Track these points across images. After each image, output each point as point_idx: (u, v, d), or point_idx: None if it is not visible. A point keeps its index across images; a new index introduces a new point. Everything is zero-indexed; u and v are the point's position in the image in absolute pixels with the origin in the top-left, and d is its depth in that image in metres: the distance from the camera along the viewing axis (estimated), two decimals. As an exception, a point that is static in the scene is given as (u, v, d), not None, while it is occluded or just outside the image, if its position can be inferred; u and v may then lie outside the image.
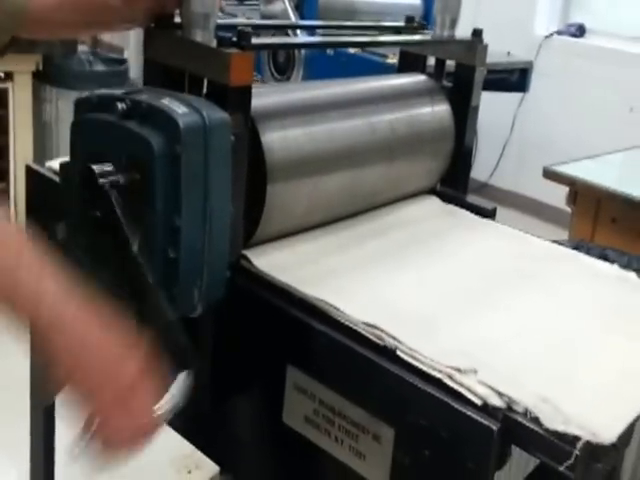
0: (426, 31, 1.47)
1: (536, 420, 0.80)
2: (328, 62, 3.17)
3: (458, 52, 1.39)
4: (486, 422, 0.81)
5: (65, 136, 0.95)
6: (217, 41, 1.01)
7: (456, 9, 1.40)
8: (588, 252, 1.41)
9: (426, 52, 1.46)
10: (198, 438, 1.20)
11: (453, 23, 1.40)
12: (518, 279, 1.16)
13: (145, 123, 0.87)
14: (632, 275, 1.20)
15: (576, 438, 0.77)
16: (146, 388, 0.78)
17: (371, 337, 0.93)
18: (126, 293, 0.89)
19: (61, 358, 0.76)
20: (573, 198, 2.32)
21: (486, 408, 0.82)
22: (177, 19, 1.05)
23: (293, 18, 3.37)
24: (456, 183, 1.45)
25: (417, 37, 1.47)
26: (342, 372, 0.95)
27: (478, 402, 0.83)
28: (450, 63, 1.43)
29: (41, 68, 3.19)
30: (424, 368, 0.88)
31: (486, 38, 1.38)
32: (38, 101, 3.36)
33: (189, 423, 1.19)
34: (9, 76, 3.09)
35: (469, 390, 0.84)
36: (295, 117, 1.15)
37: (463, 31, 1.41)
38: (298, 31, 2.88)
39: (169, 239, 0.88)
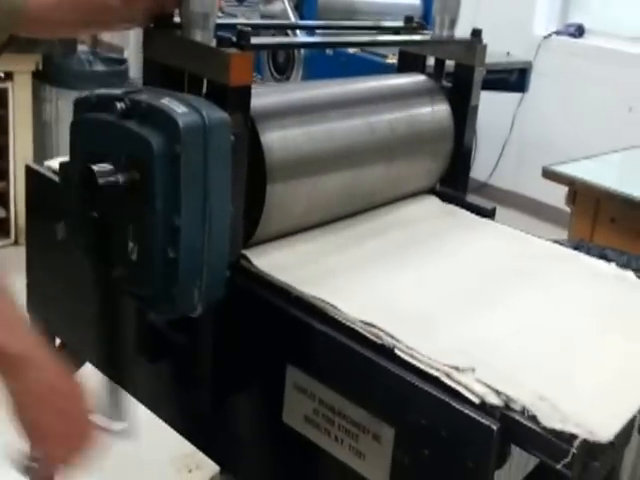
0: (425, 31, 1.47)
1: (533, 418, 0.80)
2: (327, 62, 3.17)
3: (457, 52, 1.39)
4: (486, 421, 0.81)
5: (65, 136, 0.95)
6: (217, 41, 1.01)
7: (455, 9, 1.40)
8: (588, 252, 1.42)
9: (425, 52, 1.46)
10: (198, 438, 1.20)
11: (452, 23, 1.40)
12: (517, 278, 1.16)
13: (145, 123, 0.87)
14: (630, 274, 1.21)
15: (573, 436, 0.78)
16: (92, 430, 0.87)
17: (369, 336, 0.93)
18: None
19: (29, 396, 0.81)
20: (572, 198, 2.33)
21: (484, 407, 0.82)
22: (176, 19, 1.05)
23: (293, 18, 3.37)
24: (455, 183, 1.45)
25: (416, 37, 1.47)
26: (341, 371, 0.96)
27: (476, 400, 0.83)
28: (449, 63, 1.43)
29: (41, 68, 3.19)
30: (422, 366, 0.88)
31: (485, 38, 1.38)
32: (38, 101, 3.36)
33: (189, 423, 1.20)
34: (9, 76, 3.09)
35: (467, 388, 0.84)
36: (295, 117, 1.15)
37: (462, 31, 1.42)
38: (298, 31, 2.88)
39: (169, 239, 0.88)
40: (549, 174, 2.33)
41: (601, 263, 1.25)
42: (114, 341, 0.98)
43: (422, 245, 1.24)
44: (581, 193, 2.30)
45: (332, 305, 0.98)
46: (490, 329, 0.99)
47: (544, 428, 0.79)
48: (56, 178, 1.20)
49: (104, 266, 0.93)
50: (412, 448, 0.88)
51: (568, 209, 2.40)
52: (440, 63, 1.45)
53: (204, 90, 1.02)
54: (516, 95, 4.15)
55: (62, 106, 3.40)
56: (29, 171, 1.35)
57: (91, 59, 3.59)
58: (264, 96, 1.13)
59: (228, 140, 0.91)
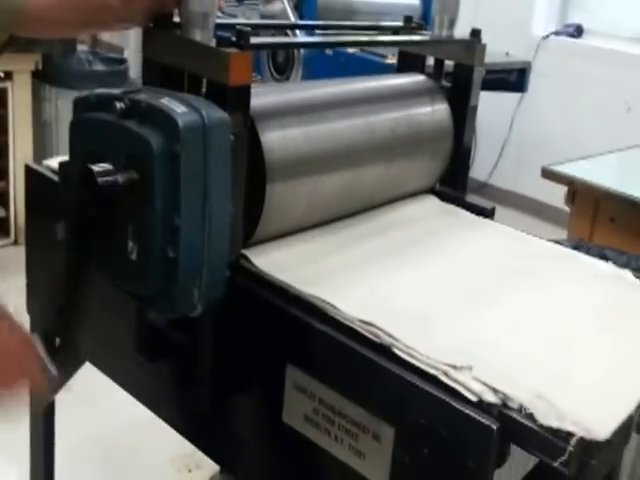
0: (425, 31, 1.47)
1: (531, 416, 0.81)
2: (327, 62, 3.17)
3: (457, 52, 1.40)
4: (486, 421, 0.81)
5: (64, 135, 0.95)
6: (216, 41, 1.01)
7: (454, 9, 1.40)
8: (587, 252, 1.42)
9: (425, 52, 1.46)
10: (198, 437, 1.20)
11: (451, 23, 1.40)
12: (516, 278, 1.16)
13: (144, 122, 0.87)
14: (628, 274, 1.21)
15: (570, 434, 0.78)
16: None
17: (367, 334, 0.93)
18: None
19: None
20: (572, 198, 2.33)
21: (482, 405, 0.83)
22: (176, 18, 1.05)
23: (292, 18, 3.37)
24: (455, 183, 1.45)
25: (416, 37, 1.47)
26: (341, 371, 0.96)
27: (473, 398, 0.83)
28: (449, 63, 1.43)
29: (40, 67, 3.20)
30: (420, 365, 0.88)
31: (484, 38, 1.38)
32: (37, 100, 3.36)
33: (189, 422, 1.20)
34: (9, 75, 3.09)
35: (464, 386, 0.84)
36: (294, 117, 1.15)
37: (462, 31, 1.42)
38: (297, 31, 2.88)
39: (168, 239, 0.88)
40: (548, 174, 2.34)
41: (600, 263, 1.25)
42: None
43: (421, 245, 1.24)
44: (580, 193, 2.30)
45: (331, 304, 0.98)
46: (488, 328, 0.99)
47: (541, 426, 0.79)
48: (56, 178, 1.20)
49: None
50: (412, 447, 0.88)
51: (567, 209, 2.40)
52: (439, 63, 1.45)
53: (204, 90, 1.02)
54: (515, 95, 4.15)
55: (62, 106, 3.40)
56: (29, 171, 1.35)
57: (91, 59, 3.59)
58: (264, 96, 1.13)
59: (228, 140, 0.91)
